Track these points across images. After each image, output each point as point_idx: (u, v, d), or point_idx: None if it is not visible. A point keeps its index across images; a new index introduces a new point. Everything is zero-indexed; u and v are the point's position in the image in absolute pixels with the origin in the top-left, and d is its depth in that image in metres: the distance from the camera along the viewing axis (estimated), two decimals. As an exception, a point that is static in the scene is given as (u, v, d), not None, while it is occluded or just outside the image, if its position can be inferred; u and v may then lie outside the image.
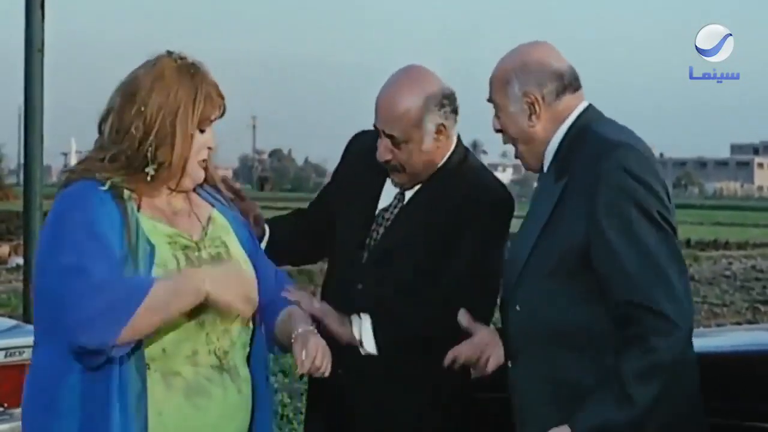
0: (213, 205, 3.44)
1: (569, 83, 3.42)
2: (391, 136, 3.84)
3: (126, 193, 3.23)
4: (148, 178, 3.26)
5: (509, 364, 3.48)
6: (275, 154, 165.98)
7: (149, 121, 3.23)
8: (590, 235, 3.21)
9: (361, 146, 4.11)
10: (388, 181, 4.02)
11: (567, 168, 3.32)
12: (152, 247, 3.21)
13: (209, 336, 3.26)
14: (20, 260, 17.67)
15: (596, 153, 3.26)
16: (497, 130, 3.51)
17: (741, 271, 24.46)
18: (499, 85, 3.45)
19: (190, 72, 3.29)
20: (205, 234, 3.36)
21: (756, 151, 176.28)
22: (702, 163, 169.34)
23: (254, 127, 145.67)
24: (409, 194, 4.00)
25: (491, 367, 3.64)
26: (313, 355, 3.26)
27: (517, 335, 3.40)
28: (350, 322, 3.79)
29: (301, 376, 3.38)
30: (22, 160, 7.50)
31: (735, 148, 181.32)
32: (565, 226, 3.27)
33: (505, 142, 3.52)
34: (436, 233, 3.88)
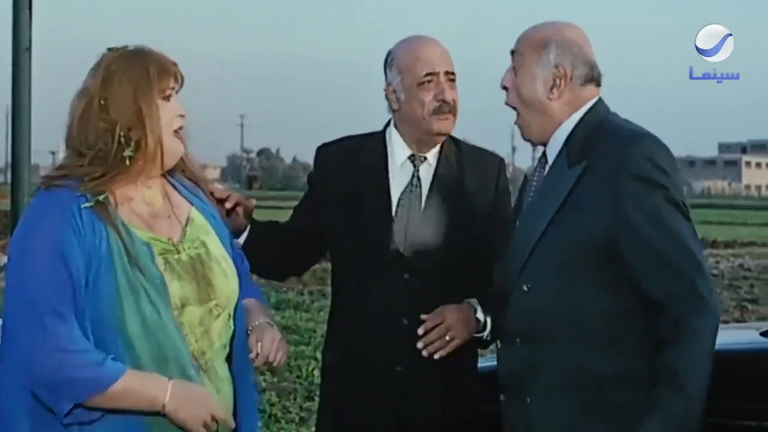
0: (192, 203, 3.41)
1: (597, 76, 3.46)
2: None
3: (110, 206, 3.21)
4: (128, 162, 3.23)
5: (498, 345, 3.50)
6: (263, 152, 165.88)
7: (112, 110, 3.21)
8: (617, 226, 3.23)
9: (333, 154, 4.20)
10: (392, 171, 4.08)
11: (584, 154, 3.33)
12: (149, 245, 3.22)
13: (188, 337, 3.25)
14: (6, 259, 17.69)
15: (620, 143, 3.29)
16: (504, 87, 3.50)
17: (729, 269, 24.45)
18: (534, 45, 3.44)
19: (135, 54, 3.30)
20: (184, 235, 3.34)
21: (744, 149, 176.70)
22: (690, 162, 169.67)
23: (242, 126, 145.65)
24: (424, 177, 4.07)
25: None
26: (269, 350, 3.33)
27: (524, 316, 3.38)
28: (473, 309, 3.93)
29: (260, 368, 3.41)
30: (9, 159, 7.47)
31: (723, 147, 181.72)
32: (585, 216, 3.27)
33: (507, 102, 3.50)
34: (468, 206, 4.01)
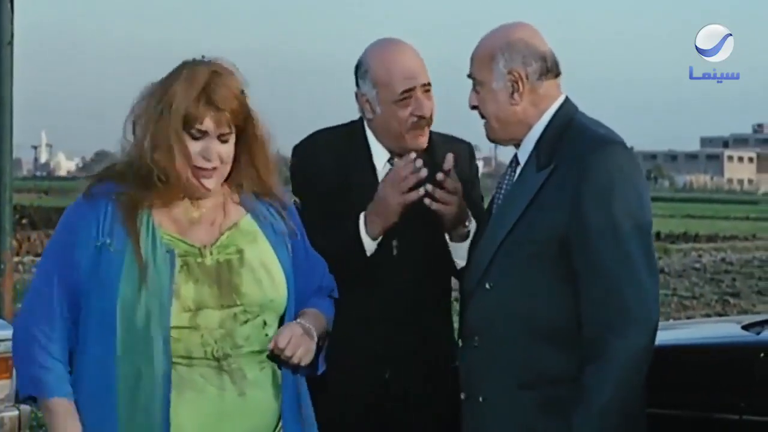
0: (248, 212, 3.38)
1: (551, 67, 3.47)
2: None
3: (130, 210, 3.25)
4: (158, 183, 3.25)
5: (460, 343, 3.53)
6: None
7: (144, 125, 3.24)
8: (570, 227, 3.27)
9: (317, 149, 4.16)
10: (377, 162, 4.08)
11: (552, 157, 3.36)
12: (171, 250, 3.22)
13: (204, 338, 3.24)
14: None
15: (586, 146, 3.32)
16: (473, 107, 3.53)
17: (711, 263, 24.52)
18: (483, 62, 3.47)
19: (193, 72, 3.25)
20: (217, 241, 3.31)
21: (726, 144, 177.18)
22: (672, 156, 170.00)
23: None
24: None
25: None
26: (284, 343, 3.24)
27: (484, 314, 3.43)
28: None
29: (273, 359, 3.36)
30: (-9, 154, 7.43)
31: (705, 141, 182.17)
32: (546, 215, 3.31)
33: (481, 117, 3.54)
34: None
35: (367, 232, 3.89)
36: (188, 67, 3.27)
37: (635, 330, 3.22)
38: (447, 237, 3.93)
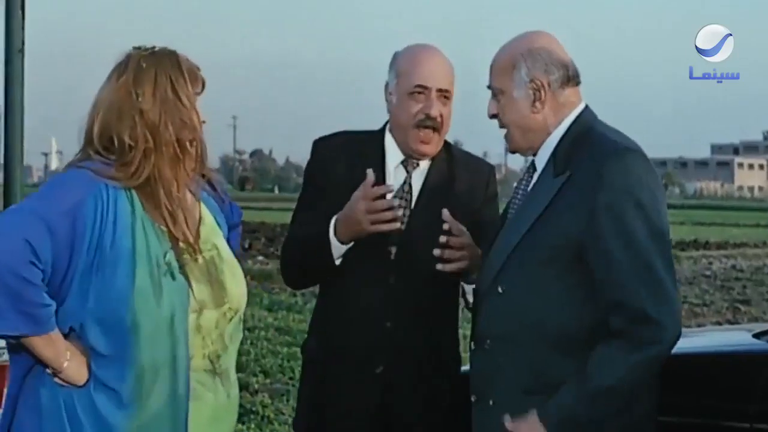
0: (198, 200, 3.36)
1: (572, 75, 3.48)
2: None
3: (139, 202, 3.17)
4: (179, 154, 3.20)
5: (472, 346, 3.52)
6: (256, 154, 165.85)
7: (149, 105, 3.19)
8: (587, 233, 3.27)
9: (333, 149, 4.18)
10: (387, 175, 4.09)
11: (569, 164, 3.37)
12: (172, 246, 3.19)
13: (204, 340, 3.25)
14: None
15: (604, 154, 3.32)
16: (492, 115, 3.53)
17: (721, 271, 24.48)
18: (504, 70, 3.47)
19: (166, 54, 3.28)
20: (199, 237, 3.29)
21: (736, 151, 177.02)
22: (682, 163, 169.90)
23: (235, 127, 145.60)
24: (415, 183, 4.09)
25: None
26: None
27: (496, 318, 3.43)
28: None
29: None
30: (1, 160, 7.45)
31: (715, 148, 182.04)
32: (562, 220, 3.32)
33: (500, 127, 3.54)
34: (456, 213, 3.89)
35: (335, 235, 3.93)
36: (167, 54, 3.28)
37: (661, 339, 3.23)
38: (462, 284, 3.91)
